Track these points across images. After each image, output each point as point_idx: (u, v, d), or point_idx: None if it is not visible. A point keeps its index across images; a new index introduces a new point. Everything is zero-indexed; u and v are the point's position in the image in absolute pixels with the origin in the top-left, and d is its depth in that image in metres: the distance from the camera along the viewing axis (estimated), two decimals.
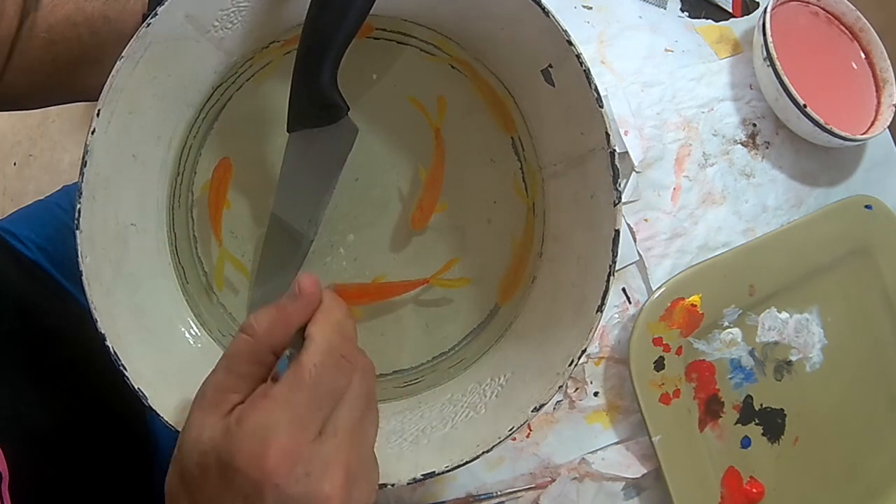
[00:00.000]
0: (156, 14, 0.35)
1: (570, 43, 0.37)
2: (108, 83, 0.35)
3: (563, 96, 0.40)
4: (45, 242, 0.62)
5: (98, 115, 0.35)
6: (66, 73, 0.44)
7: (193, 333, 0.42)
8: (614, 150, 0.37)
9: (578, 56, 0.37)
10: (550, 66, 0.39)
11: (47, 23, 0.42)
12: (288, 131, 0.39)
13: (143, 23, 0.36)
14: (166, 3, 0.35)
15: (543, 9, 0.37)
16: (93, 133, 0.35)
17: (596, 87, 0.37)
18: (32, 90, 0.45)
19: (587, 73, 0.37)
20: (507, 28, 0.40)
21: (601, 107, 0.37)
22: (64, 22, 0.42)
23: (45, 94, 0.46)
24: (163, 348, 0.40)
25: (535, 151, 0.45)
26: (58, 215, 0.65)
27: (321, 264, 0.44)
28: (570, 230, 0.42)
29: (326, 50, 0.36)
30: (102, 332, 0.35)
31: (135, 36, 0.35)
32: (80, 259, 0.35)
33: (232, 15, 0.38)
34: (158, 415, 0.36)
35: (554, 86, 0.40)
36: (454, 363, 0.44)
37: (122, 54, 0.35)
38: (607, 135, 0.37)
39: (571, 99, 0.39)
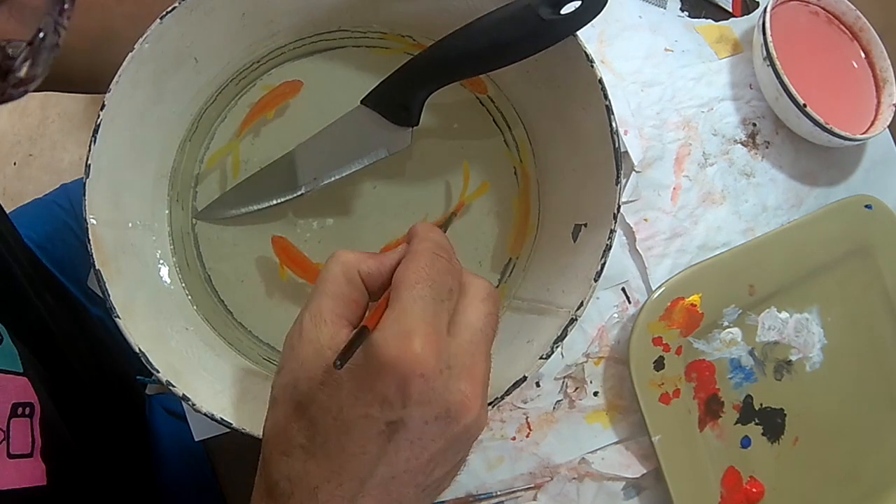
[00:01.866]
0: None
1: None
2: None
3: None
4: (45, 242, 0.62)
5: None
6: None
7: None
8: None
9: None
10: None
11: None
12: (361, 101, 0.40)
13: None
14: None
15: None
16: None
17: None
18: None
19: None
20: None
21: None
22: None
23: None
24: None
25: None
26: (57, 214, 0.65)
27: (288, 219, 0.45)
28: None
29: (443, 69, 0.38)
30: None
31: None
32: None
33: None
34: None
35: None
36: None
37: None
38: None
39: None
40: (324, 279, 0.30)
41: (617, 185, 0.38)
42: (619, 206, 0.38)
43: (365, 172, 0.43)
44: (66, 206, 0.67)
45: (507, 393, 0.36)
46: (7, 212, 0.67)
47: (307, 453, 0.28)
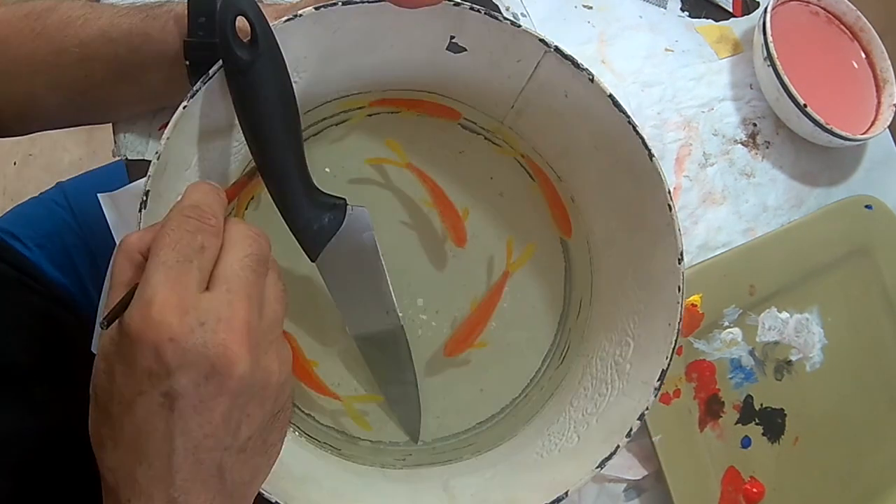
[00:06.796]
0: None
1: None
2: None
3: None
4: (45, 240, 0.62)
5: None
6: (102, 91, 0.43)
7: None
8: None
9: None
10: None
11: (79, 38, 0.40)
12: (313, 261, 0.38)
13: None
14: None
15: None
16: None
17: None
18: (65, 109, 0.44)
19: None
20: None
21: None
22: (98, 37, 0.40)
23: (79, 112, 0.45)
24: None
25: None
26: (55, 212, 0.65)
27: (418, 338, 0.44)
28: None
29: (284, 176, 0.35)
30: None
31: None
32: (265, 494, 0.34)
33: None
34: None
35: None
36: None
37: None
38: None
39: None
40: (111, 272, 0.30)
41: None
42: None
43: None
44: (64, 203, 0.66)
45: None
46: (5, 211, 0.67)
47: (114, 442, 0.28)
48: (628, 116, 0.38)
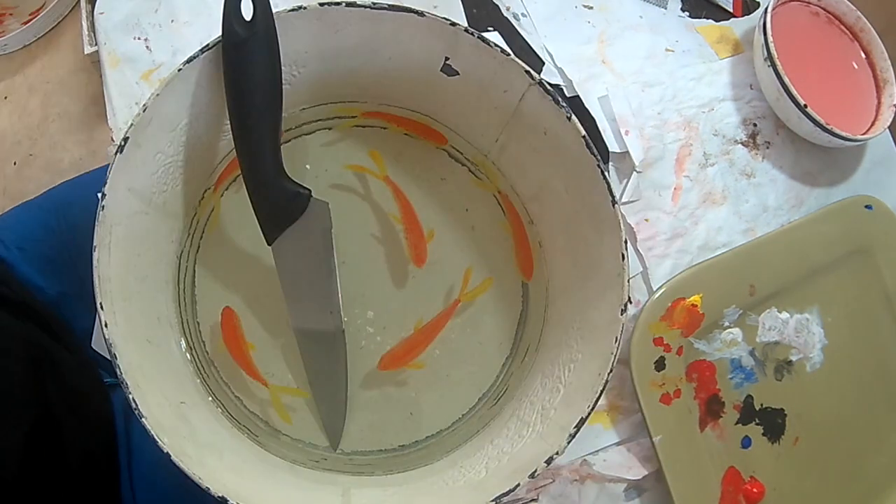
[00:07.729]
0: (104, 195, 0.35)
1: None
2: (94, 274, 0.34)
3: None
4: (24, 242, 0.62)
5: (101, 307, 0.34)
6: None
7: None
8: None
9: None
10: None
11: None
12: (269, 244, 0.39)
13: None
14: (109, 181, 0.35)
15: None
16: (106, 327, 0.34)
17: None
18: None
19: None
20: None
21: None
22: None
23: None
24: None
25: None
26: (37, 215, 0.65)
27: (360, 349, 0.44)
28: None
29: (257, 154, 0.36)
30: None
31: (96, 222, 0.34)
32: (160, 442, 0.33)
33: (162, 175, 0.39)
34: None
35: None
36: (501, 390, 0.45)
37: (94, 242, 0.34)
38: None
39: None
40: None
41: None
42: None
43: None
44: (48, 207, 0.66)
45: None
46: (5, 210, 0.67)
47: None
48: (598, 159, 0.38)
